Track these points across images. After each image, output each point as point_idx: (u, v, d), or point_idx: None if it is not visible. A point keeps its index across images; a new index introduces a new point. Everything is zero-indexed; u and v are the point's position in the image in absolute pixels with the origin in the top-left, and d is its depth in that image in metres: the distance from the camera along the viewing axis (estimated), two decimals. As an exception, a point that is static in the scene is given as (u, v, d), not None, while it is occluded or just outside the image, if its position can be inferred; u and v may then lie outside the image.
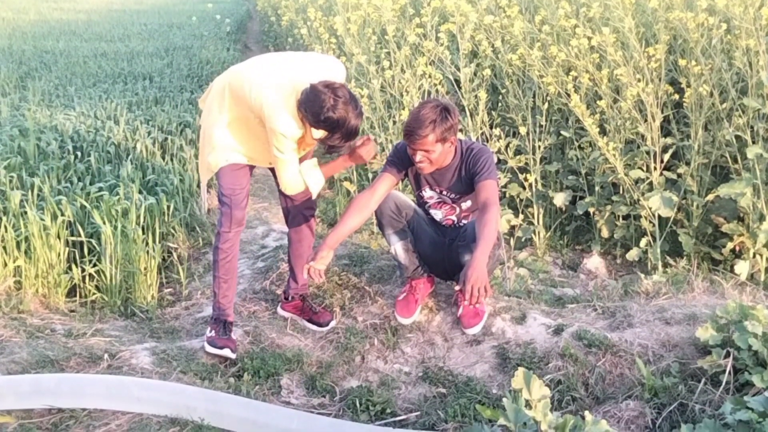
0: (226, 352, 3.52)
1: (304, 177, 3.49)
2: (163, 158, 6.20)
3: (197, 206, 5.62)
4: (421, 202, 3.80)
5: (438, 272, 3.97)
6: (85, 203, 4.78)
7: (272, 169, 3.71)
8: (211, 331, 3.61)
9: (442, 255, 3.79)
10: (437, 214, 3.77)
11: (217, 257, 3.65)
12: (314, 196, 3.67)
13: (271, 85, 3.33)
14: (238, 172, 3.56)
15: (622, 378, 3.17)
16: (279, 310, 4.06)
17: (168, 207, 5.20)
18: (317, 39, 7.45)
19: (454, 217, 3.75)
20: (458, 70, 5.32)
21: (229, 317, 3.67)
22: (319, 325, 3.90)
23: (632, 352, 3.26)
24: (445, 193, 3.67)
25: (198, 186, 5.96)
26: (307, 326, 3.93)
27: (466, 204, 3.69)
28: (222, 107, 3.47)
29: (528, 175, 5.32)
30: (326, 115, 3.18)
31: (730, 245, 4.52)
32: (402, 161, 3.63)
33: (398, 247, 3.79)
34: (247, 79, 3.39)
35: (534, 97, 5.63)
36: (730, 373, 2.88)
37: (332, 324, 3.90)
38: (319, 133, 3.32)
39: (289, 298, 4.00)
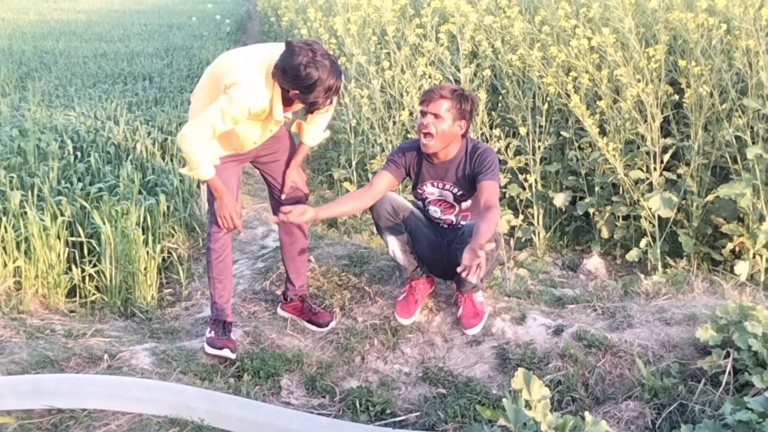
0: (226, 353, 3.52)
1: (199, 152, 3.30)
2: (163, 159, 6.20)
3: (197, 206, 5.62)
4: (420, 197, 3.79)
5: (437, 272, 3.96)
6: (84, 203, 4.78)
7: (264, 171, 3.74)
8: (210, 332, 3.61)
9: (441, 255, 3.78)
10: (436, 211, 3.76)
11: (210, 257, 3.63)
12: (186, 171, 3.46)
13: (250, 55, 3.34)
14: (224, 170, 3.50)
15: (621, 378, 3.17)
16: (279, 310, 4.06)
17: (168, 207, 5.19)
18: (317, 39, 7.45)
19: (452, 217, 3.73)
20: (458, 70, 5.32)
21: (227, 317, 3.66)
22: (319, 325, 3.90)
23: (632, 353, 3.26)
24: (447, 187, 3.64)
25: (198, 186, 5.96)
26: (307, 327, 3.93)
27: (466, 203, 3.67)
28: (204, 96, 3.44)
29: (528, 176, 5.32)
30: (305, 71, 3.11)
31: (729, 246, 4.52)
32: (403, 159, 3.65)
33: (396, 248, 3.78)
34: (229, 56, 3.40)
35: (534, 97, 5.63)
36: (729, 373, 2.89)
37: (332, 324, 3.90)
38: (286, 112, 3.37)
39: (288, 299, 4.00)
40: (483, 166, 3.48)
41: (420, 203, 3.82)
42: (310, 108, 3.33)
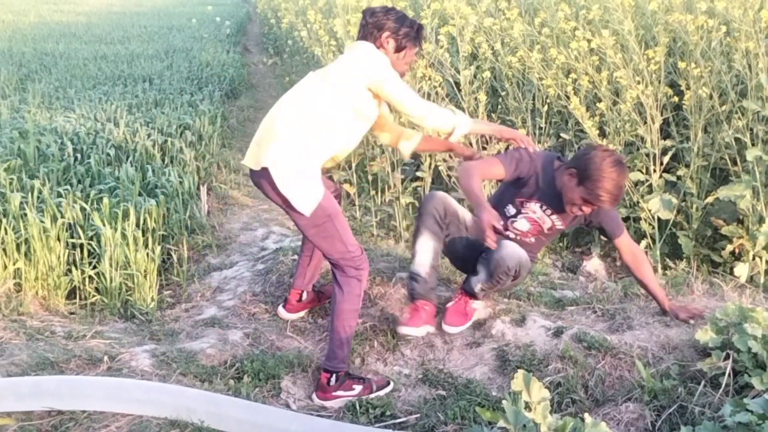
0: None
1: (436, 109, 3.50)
2: (163, 160, 6.21)
3: (197, 208, 5.62)
4: (514, 205, 3.65)
5: (458, 264, 3.90)
6: (85, 205, 4.78)
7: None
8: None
9: (475, 254, 3.68)
10: (523, 225, 3.64)
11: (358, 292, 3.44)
12: (455, 134, 3.55)
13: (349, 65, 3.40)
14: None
15: (621, 380, 3.18)
16: (290, 314, 4.01)
17: (168, 209, 5.20)
18: (317, 41, 7.45)
19: (532, 239, 3.67)
20: (458, 72, 5.32)
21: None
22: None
23: (632, 355, 3.26)
24: (554, 218, 3.57)
25: (198, 188, 5.97)
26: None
27: (551, 233, 3.67)
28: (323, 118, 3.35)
29: (528, 178, 5.31)
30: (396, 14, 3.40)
31: (729, 247, 4.51)
32: (527, 172, 3.52)
33: (425, 258, 3.56)
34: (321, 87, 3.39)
35: (534, 99, 5.63)
36: (729, 375, 2.89)
37: None
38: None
39: (301, 298, 3.98)
40: (611, 222, 3.56)
41: (508, 208, 3.67)
42: (402, 49, 3.44)
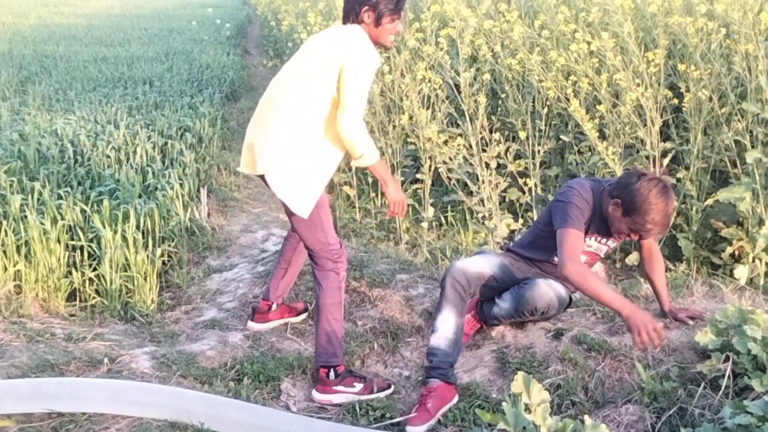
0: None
1: (364, 133, 3.26)
2: (163, 162, 6.21)
3: (197, 210, 5.63)
4: None
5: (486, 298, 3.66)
6: (85, 207, 4.79)
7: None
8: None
9: (505, 289, 3.55)
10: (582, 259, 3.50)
11: (339, 289, 3.43)
12: (358, 161, 3.35)
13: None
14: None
15: (621, 382, 3.17)
16: (261, 326, 3.95)
17: (168, 211, 5.20)
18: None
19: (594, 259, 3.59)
20: (458, 74, 5.33)
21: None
22: (305, 310, 4.03)
23: (631, 357, 3.26)
24: (607, 243, 3.48)
25: (198, 190, 5.97)
26: (292, 321, 4.00)
27: (608, 252, 3.59)
28: (309, 99, 3.29)
29: (528, 180, 5.32)
30: None
31: (729, 249, 4.52)
32: (587, 213, 3.34)
33: (448, 333, 3.31)
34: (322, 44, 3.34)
35: (533, 101, 5.64)
36: (729, 377, 2.89)
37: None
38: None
39: (270, 308, 3.96)
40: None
41: None
42: (377, 21, 3.31)
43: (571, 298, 3.61)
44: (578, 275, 3.13)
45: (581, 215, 3.28)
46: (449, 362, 3.28)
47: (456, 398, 3.25)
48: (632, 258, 4.88)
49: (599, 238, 3.44)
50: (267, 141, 3.25)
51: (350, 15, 3.32)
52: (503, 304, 3.53)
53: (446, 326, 3.32)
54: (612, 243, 3.50)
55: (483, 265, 3.48)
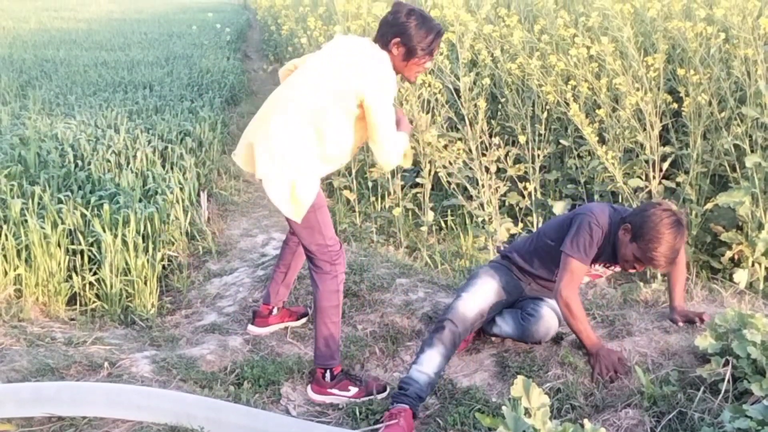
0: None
1: (398, 140, 3.33)
2: (164, 167, 6.21)
3: (197, 214, 5.63)
4: None
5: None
6: (85, 212, 4.79)
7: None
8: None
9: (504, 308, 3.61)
10: (584, 280, 3.53)
11: (336, 290, 3.42)
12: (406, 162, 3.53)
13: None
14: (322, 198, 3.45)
15: (621, 386, 3.17)
16: (262, 329, 3.97)
17: (168, 215, 5.20)
18: (317, 48, 7.46)
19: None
20: (458, 79, 5.34)
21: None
22: (305, 314, 4.04)
23: (631, 361, 3.26)
24: (612, 268, 3.46)
25: (198, 194, 5.97)
26: (292, 325, 4.01)
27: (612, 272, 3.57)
28: (309, 124, 3.26)
29: (527, 184, 5.33)
30: (407, 18, 3.23)
31: (728, 254, 4.52)
32: (599, 244, 3.31)
33: (430, 369, 3.25)
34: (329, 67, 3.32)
35: (533, 106, 5.65)
36: (729, 381, 2.89)
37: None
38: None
39: (271, 312, 3.97)
40: None
41: None
42: (409, 56, 3.27)
43: None
44: (566, 308, 3.23)
45: (592, 246, 3.27)
46: (421, 397, 3.18)
47: None
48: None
49: (608, 264, 3.42)
50: (265, 143, 3.24)
51: (381, 39, 3.29)
52: (505, 327, 3.58)
53: (431, 365, 3.25)
54: (617, 268, 3.47)
55: (482, 301, 3.46)
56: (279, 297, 3.94)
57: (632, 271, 3.39)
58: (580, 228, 3.30)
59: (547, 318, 3.44)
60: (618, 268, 3.46)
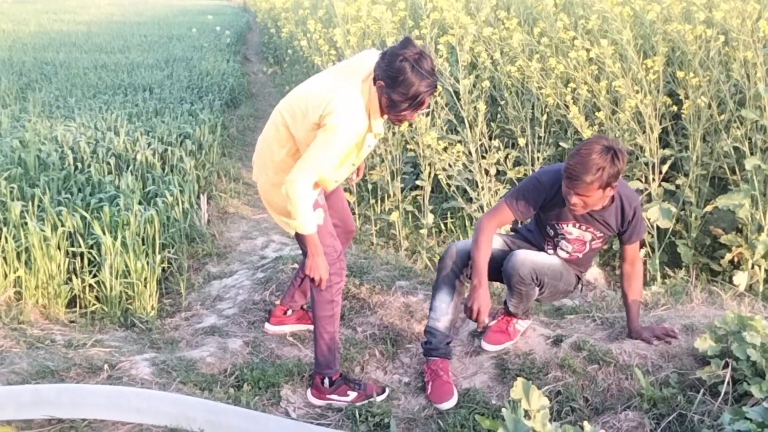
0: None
1: (304, 200, 3.13)
2: (163, 169, 6.22)
3: (197, 217, 5.63)
4: (552, 229, 3.49)
5: (494, 276, 3.61)
6: (85, 214, 4.79)
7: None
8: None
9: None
10: (567, 247, 3.49)
11: (331, 312, 3.40)
12: (287, 223, 3.33)
13: (327, 77, 3.20)
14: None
15: (621, 389, 3.18)
16: (279, 328, 4.00)
17: (168, 218, 5.21)
18: (317, 51, 7.48)
19: (581, 255, 3.52)
20: (457, 81, 5.34)
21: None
22: None
23: (631, 363, 3.27)
24: (590, 230, 3.41)
25: (198, 197, 5.97)
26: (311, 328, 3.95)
27: (598, 242, 3.49)
28: (277, 141, 3.25)
29: (527, 186, 5.32)
30: (400, 64, 2.94)
31: (728, 256, 4.52)
32: (535, 202, 3.36)
33: (443, 313, 3.46)
34: (303, 89, 3.23)
35: (533, 108, 5.66)
36: (728, 383, 2.89)
37: None
38: (379, 126, 3.17)
39: (287, 312, 3.98)
40: (636, 229, 3.36)
41: (548, 230, 3.51)
42: (390, 109, 3.09)
43: (579, 278, 3.62)
44: (474, 232, 3.39)
45: (522, 200, 3.35)
46: (447, 341, 3.50)
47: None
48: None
49: (578, 224, 3.40)
50: (260, 159, 3.36)
51: (375, 70, 3.08)
52: (507, 290, 3.57)
53: (443, 306, 3.46)
54: (598, 232, 3.41)
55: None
56: (294, 300, 3.96)
57: (573, 208, 3.23)
58: (522, 181, 3.44)
59: (517, 254, 3.41)
60: (600, 233, 3.41)
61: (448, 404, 3.34)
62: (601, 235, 3.42)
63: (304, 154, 3.09)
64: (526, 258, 3.40)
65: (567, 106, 4.92)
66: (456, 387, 3.42)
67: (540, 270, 3.40)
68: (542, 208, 3.39)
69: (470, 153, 5.23)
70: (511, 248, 3.58)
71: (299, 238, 3.30)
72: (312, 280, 3.23)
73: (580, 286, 3.69)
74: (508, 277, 3.42)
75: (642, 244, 4.79)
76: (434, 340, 3.47)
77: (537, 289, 3.45)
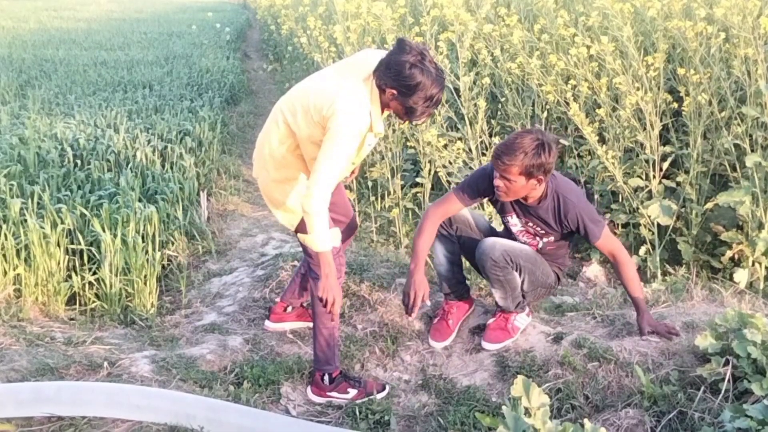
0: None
1: (323, 214, 3.05)
2: (163, 166, 6.21)
3: (197, 214, 5.63)
4: (504, 225, 3.66)
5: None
6: (85, 211, 4.79)
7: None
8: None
9: None
10: (522, 237, 3.58)
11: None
12: (303, 237, 3.25)
13: (328, 74, 3.21)
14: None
15: (621, 386, 3.17)
16: (280, 325, 3.99)
17: (168, 215, 5.20)
18: (317, 48, 7.47)
19: (538, 246, 3.55)
20: (458, 78, 5.33)
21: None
22: None
23: (631, 360, 3.26)
24: (530, 225, 3.47)
25: (198, 194, 5.97)
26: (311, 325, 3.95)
27: (549, 239, 3.51)
28: (281, 143, 3.23)
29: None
30: (409, 71, 2.94)
31: (729, 253, 4.52)
32: (479, 188, 3.43)
33: (441, 256, 3.65)
34: (304, 86, 3.22)
35: (533, 105, 5.65)
36: (729, 381, 2.89)
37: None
38: (380, 125, 3.15)
39: (286, 309, 3.97)
40: (588, 229, 3.35)
41: (506, 220, 3.60)
42: (407, 115, 3.12)
43: (558, 274, 3.68)
44: (422, 219, 3.51)
45: (467, 189, 3.45)
46: (452, 284, 3.73)
47: (473, 307, 3.87)
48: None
49: (519, 216, 3.48)
50: (260, 156, 3.35)
51: (376, 77, 3.08)
52: (489, 284, 3.62)
53: (440, 253, 3.66)
54: (539, 227, 3.44)
55: (467, 211, 3.65)
56: (294, 297, 3.95)
57: (499, 193, 3.32)
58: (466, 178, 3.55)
59: (485, 241, 3.48)
60: (543, 227, 3.45)
61: (438, 344, 3.70)
62: (543, 231, 3.47)
63: (314, 167, 3.02)
64: (496, 242, 3.47)
65: (567, 103, 4.91)
66: (454, 330, 3.75)
67: (512, 252, 3.44)
68: (492, 201, 3.51)
69: (470, 150, 5.23)
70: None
71: (303, 244, 3.31)
72: (321, 299, 3.15)
73: (559, 281, 3.74)
74: (482, 264, 3.47)
75: (642, 242, 4.81)
76: (443, 283, 3.74)
77: (516, 273, 3.47)
